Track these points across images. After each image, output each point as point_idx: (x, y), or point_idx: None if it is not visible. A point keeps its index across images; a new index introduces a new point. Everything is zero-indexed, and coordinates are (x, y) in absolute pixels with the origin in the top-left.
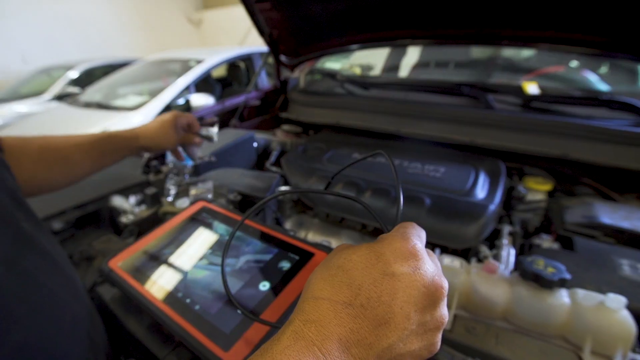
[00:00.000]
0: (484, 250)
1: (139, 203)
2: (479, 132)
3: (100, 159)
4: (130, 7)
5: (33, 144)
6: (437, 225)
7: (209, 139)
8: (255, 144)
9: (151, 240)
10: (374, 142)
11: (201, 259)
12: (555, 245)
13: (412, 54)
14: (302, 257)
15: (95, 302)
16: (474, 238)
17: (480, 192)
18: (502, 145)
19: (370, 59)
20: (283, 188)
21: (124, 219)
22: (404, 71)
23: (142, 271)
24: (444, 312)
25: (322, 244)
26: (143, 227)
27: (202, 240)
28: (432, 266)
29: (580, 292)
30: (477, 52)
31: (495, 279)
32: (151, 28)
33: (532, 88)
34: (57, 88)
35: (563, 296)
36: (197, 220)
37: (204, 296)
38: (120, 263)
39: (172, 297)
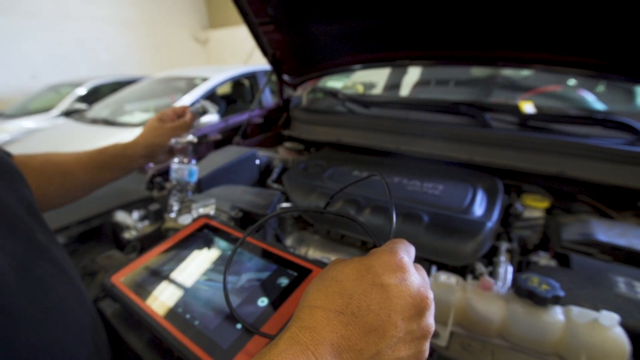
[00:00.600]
0: (480, 267)
1: (142, 218)
2: (477, 150)
3: (99, 172)
4: (139, 27)
5: (36, 160)
6: (435, 242)
7: (202, 113)
8: (257, 161)
9: (153, 256)
10: (374, 160)
11: (202, 275)
12: (553, 263)
13: (413, 73)
14: (300, 274)
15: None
16: (472, 255)
17: (478, 209)
18: (500, 163)
19: (373, 77)
20: (284, 205)
21: (127, 235)
22: (405, 89)
23: (144, 287)
24: (430, 322)
25: (320, 260)
26: (146, 242)
27: (203, 256)
28: (419, 278)
29: (575, 310)
30: (477, 70)
31: (491, 296)
32: (159, 47)
33: (528, 107)
34: (64, 104)
35: (557, 313)
36: (199, 236)
37: (204, 312)
38: (122, 278)
39: (172, 313)
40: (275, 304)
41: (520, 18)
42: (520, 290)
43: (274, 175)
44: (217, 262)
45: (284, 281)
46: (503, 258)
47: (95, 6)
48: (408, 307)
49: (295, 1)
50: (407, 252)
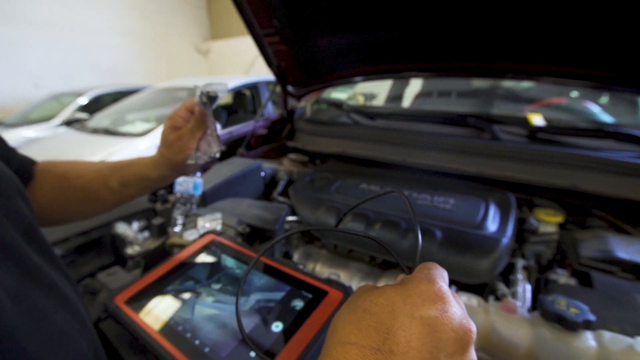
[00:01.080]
0: (501, 287)
1: (142, 229)
2: (486, 162)
3: (123, 190)
4: (142, 38)
5: (57, 170)
6: (449, 259)
7: (211, 99)
8: (262, 174)
9: (158, 275)
10: (381, 173)
11: (211, 296)
12: (572, 281)
13: (415, 84)
14: (316, 296)
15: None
16: (488, 273)
17: (492, 224)
18: (510, 176)
19: (374, 88)
20: (291, 218)
21: (130, 250)
22: (407, 101)
23: (149, 309)
24: (473, 357)
25: (335, 280)
26: (150, 259)
27: (211, 276)
28: (459, 309)
29: (607, 335)
30: (479, 82)
31: (516, 319)
32: (161, 57)
33: (537, 119)
34: (66, 114)
35: (589, 339)
36: (206, 254)
37: (214, 338)
38: (126, 300)
39: (180, 338)
40: (290, 330)
41: (526, 30)
42: (547, 314)
43: (280, 187)
44: (227, 282)
45: (298, 304)
46: (520, 276)
47: (99, 17)
48: (451, 341)
49: (301, 13)
50: (443, 279)
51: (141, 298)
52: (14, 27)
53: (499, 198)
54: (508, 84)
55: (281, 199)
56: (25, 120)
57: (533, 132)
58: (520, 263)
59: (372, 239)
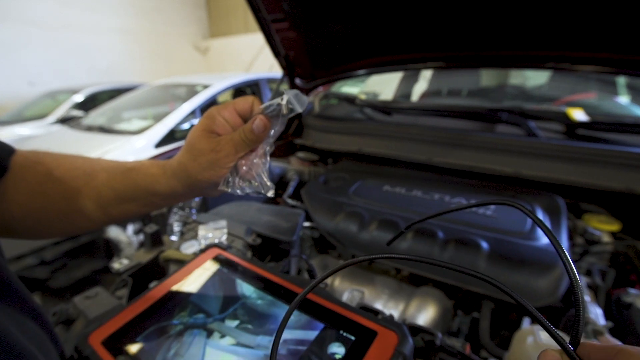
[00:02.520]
0: (594, 321)
1: (137, 232)
2: (523, 162)
3: (118, 205)
4: (139, 36)
5: (40, 168)
6: (500, 276)
7: (286, 113)
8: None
9: (148, 304)
10: (403, 173)
11: (223, 336)
12: None
13: (423, 82)
14: (361, 338)
15: None
16: (550, 294)
17: (543, 234)
18: (552, 177)
19: (376, 87)
20: (306, 223)
21: (117, 265)
22: (416, 98)
23: (136, 353)
24: None
25: (384, 316)
26: (140, 277)
27: (219, 306)
28: None
29: None
30: (487, 79)
31: None
32: (159, 56)
33: (578, 114)
34: (61, 111)
35: None
36: (210, 275)
37: None
38: (104, 339)
39: None
40: None
41: (545, 15)
42: None
43: (290, 189)
44: (246, 318)
45: (339, 350)
46: (588, 297)
47: (96, 15)
48: None
49: None
50: None
51: (125, 337)
52: (11, 25)
53: (546, 202)
54: (516, 81)
55: (290, 201)
56: (20, 118)
57: (572, 128)
58: (582, 281)
59: (492, 283)
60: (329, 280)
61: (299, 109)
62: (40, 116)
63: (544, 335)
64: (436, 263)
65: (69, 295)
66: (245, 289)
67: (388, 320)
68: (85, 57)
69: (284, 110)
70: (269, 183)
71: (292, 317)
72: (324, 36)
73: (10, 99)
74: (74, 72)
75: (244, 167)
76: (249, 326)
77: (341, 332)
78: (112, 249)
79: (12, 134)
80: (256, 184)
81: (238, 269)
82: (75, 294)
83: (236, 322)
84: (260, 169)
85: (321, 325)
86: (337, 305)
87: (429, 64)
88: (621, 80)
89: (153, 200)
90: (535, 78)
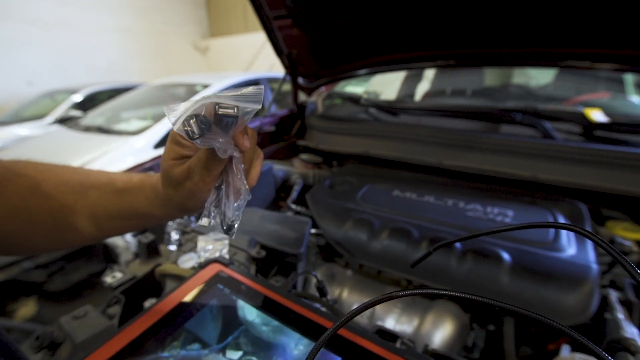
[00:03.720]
0: (629, 339)
1: (135, 235)
2: (540, 165)
3: (109, 222)
4: (139, 36)
5: (23, 180)
6: (526, 292)
7: (222, 118)
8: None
9: (143, 329)
10: (413, 177)
11: None
12: None
13: (425, 82)
14: None
15: None
16: (582, 312)
17: (568, 244)
18: (571, 182)
19: (379, 87)
20: (313, 230)
21: (109, 279)
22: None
23: None
24: None
25: (403, 341)
26: (134, 293)
27: (225, 335)
28: None
29: None
30: (490, 79)
31: None
32: (159, 55)
33: (596, 115)
34: (59, 111)
35: None
36: (211, 297)
37: None
38: None
39: None
40: None
41: (567, 11)
42: None
43: (294, 193)
44: (250, 348)
45: None
46: (621, 315)
47: (96, 14)
48: None
49: None
50: None
51: None
52: (9, 25)
53: (568, 209)
54: (519, 80)
55: (293, 206)
56: (18, 118)
57: (590, 130)
58: (613, 296)
59: (553, 323)
60: (337, 292)
61: (226, 113)
62: (39, 116)
63: None
64: (495, 304)
65: (66, 299)
66: (248, 312)
67: (411, 353)
68: (84, 57)
69: (188, 127)
70: (229, 213)
71: (301, 348)
72: (328, 33)
73: (8, 98)
74: (73, 71)
75: (222, 194)
76: (253, 358)
77: None
78: (110, 252)
79: (10, 134)
80: (229, 209)
81: (241, 289)
82: (73, 297)
83: (239, 354)
84: (237, 189)
85: (338, 359)
86: (355, 334)
87: (438, 62)
88: (629, 78)
89: (150, 220)
90: (539, 77)
